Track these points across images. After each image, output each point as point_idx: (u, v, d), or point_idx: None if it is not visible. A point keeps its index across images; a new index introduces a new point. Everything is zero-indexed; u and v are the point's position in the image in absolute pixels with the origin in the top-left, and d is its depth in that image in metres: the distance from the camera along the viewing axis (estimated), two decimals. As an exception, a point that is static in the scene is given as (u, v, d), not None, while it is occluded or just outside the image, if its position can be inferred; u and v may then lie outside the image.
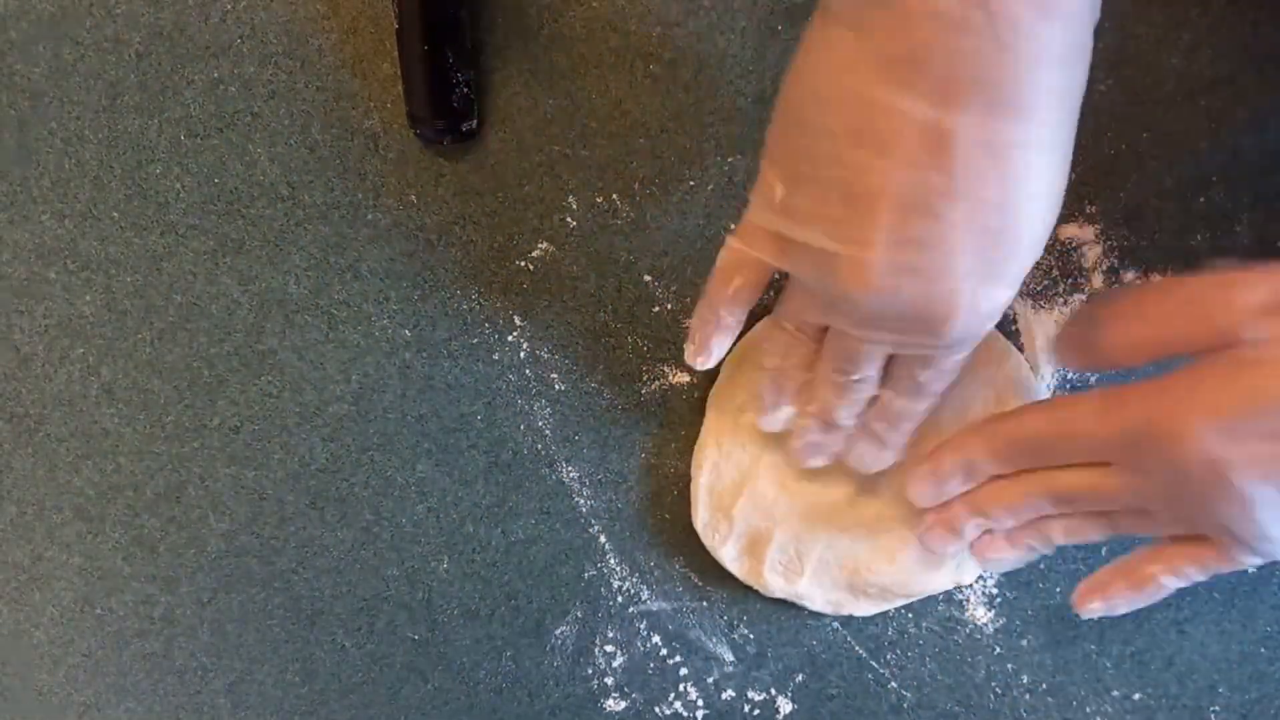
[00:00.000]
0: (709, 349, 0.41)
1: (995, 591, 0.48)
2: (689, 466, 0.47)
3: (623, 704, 0.49)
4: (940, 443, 0.42)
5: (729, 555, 0.47)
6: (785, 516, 0.46)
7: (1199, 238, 0.45)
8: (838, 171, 0.32)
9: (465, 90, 0.44)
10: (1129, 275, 0.45)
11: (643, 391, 0.47)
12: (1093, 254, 0.45)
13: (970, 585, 0.47)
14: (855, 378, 0.38)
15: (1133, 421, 0.33)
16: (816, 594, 0.46)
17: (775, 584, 0.46)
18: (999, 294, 0.33)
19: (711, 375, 0.47)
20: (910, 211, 0.31)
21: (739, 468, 0.46)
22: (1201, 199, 0.45)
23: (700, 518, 0.47)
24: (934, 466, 0.41)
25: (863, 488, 0.45)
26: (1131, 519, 0.38)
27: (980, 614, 0.48)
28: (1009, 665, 0.48)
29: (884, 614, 0.48)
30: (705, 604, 0.48)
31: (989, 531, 0.42)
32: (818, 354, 0.40)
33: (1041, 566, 0.47)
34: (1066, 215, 0.45)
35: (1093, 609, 0.40)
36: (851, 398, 0.40)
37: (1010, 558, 0.43)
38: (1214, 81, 0.44)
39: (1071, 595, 0.41)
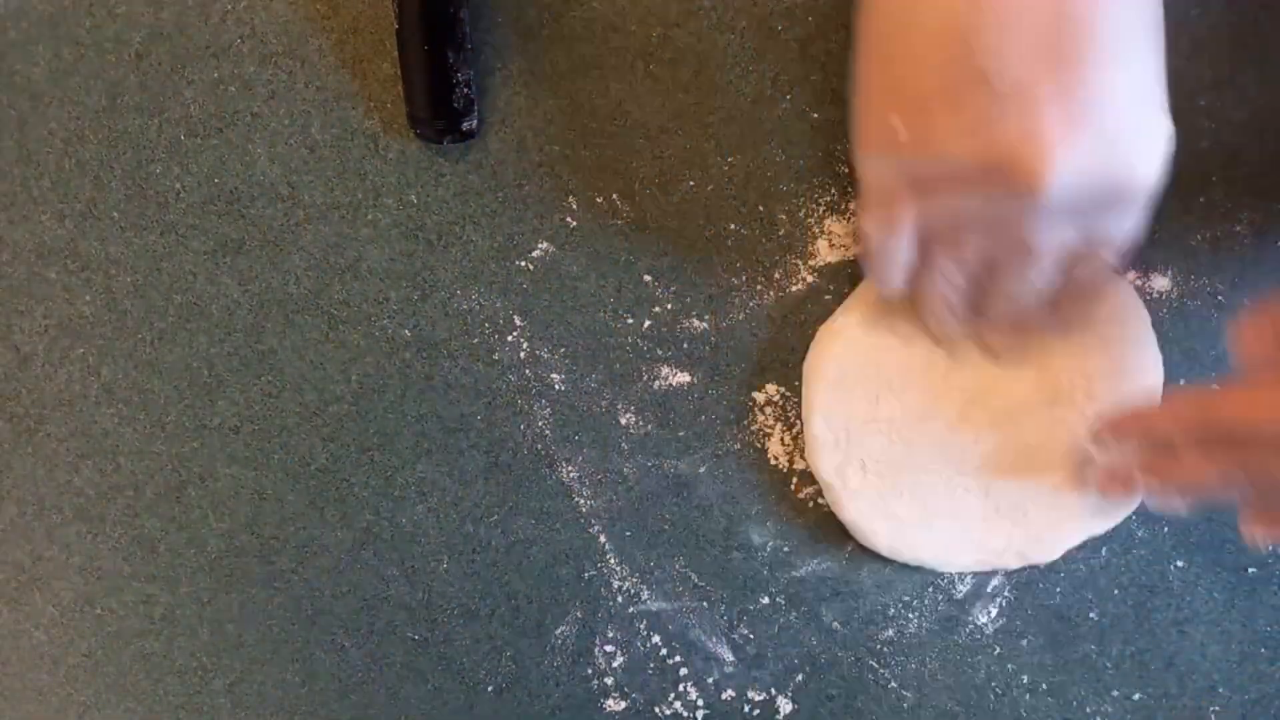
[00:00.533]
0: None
1: (995, 591, 0.48)
2: (689, 466, 0.47)
3: (623, 704, 0.49)
4: (1123, 415, 0.42)
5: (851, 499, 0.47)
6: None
7: (1199, 238, 0.45)
8: (954, 78, 0.33)
9: (465, 90, 0.44)
10: (1129, 275, 0.45)
11: (643, 391, 0.47)
12: (1093, 254, 0.45)
13: (970, 582, 0.47)
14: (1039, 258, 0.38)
15: None
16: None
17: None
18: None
19: (709, 371, 0.47)
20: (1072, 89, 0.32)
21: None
22: (1201, 199, 0.45)
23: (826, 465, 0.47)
24: (1117, 431, 0.42)
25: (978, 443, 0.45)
26: None
27: (980, 614, 0.48)
28: (1009, 665, 0.48)
29: (883, 614, 0.48)
30: (705, 604, 0.48)
31: None
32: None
33: (1042, 566, 0.47)
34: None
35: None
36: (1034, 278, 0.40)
37: (1180, 508, 0.42)
38: (1214, 81, 0.44)
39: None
